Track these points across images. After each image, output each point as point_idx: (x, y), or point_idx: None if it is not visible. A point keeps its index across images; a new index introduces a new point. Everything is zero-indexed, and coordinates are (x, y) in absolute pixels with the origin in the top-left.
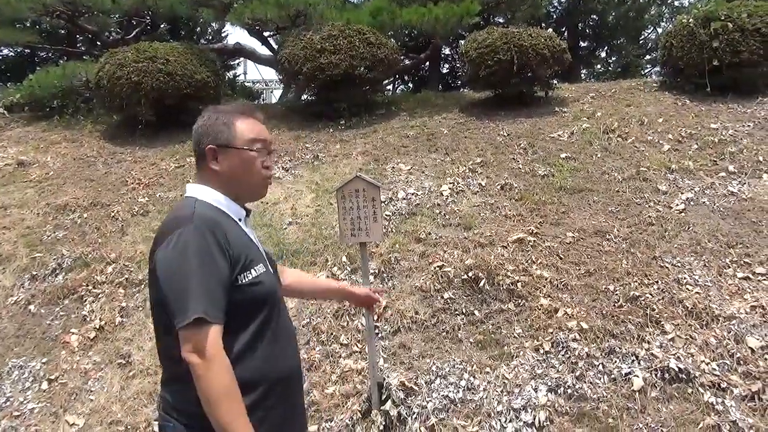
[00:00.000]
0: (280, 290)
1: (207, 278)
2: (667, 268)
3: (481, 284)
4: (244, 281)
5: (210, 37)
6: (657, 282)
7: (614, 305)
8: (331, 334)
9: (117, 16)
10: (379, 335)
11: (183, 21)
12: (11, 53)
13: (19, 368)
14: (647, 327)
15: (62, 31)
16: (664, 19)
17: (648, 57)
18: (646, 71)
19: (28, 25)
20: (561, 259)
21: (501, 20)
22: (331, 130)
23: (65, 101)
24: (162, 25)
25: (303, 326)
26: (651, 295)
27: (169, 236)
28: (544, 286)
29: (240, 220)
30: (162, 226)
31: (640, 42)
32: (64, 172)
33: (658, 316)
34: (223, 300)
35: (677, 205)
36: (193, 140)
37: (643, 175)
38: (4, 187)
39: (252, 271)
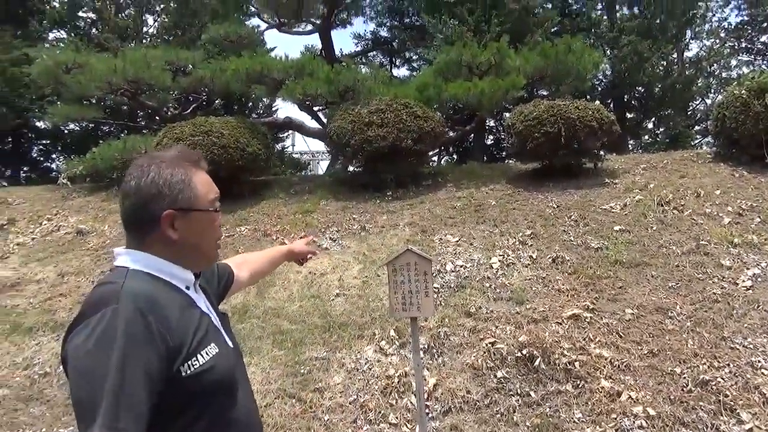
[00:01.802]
0: (238, 365)
1: (128, 381)
2: (738, 349)
3: (536, 363)
4: (188, 372)
5: (261, 111)
6: (728, 365)
7: (682, 389)
8: (380, 412)
9: (175, 93)
10: (430, 415)
11: (236, 97)
12: (77, 128)
13: None
14: (721, 415)
15: (124, 107)
16: (713, 90)
17: (697, 127)
18: (695, 142)
19: (93, 101)
20: (621, 337)
21: (545, 93)
22: (378, 201)
23: (124, 173)
24: (216, 101)
25: (350, 403)
26: (722, 379)
27: (87, 320)
28: (605, 367)
29: (188, 287)
30: (83, 304)
31: (689, 113)
32: (120, 240)
33: (732, 403)
34: (147, 405)
35: (744, 281)
36: (131, 203)
37: (704, 249)
38: (63, 255)
39: (199, 357)
